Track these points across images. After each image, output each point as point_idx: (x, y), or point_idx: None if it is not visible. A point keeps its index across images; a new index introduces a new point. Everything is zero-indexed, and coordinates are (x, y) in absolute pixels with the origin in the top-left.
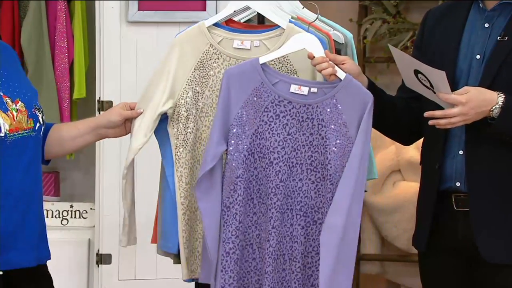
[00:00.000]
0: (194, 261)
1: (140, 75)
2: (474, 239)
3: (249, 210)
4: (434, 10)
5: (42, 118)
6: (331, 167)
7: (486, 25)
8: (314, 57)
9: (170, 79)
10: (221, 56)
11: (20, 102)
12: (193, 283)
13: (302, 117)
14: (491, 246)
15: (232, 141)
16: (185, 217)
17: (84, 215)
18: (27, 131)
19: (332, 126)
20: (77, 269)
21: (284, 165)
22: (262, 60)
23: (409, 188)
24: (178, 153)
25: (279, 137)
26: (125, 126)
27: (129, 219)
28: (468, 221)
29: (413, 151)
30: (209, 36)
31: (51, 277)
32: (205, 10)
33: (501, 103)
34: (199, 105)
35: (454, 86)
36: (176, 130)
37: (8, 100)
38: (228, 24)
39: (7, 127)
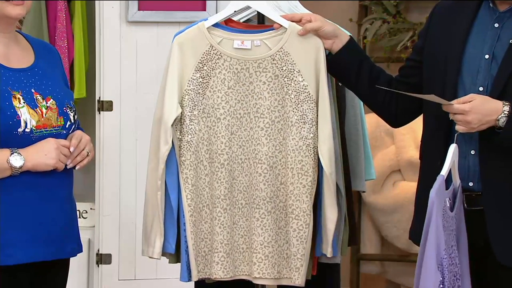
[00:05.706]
0: (201, 261)
1: (140, 75)
2: (488, 240)
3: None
4: (442, 3)
5: (73, 117)
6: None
7: (496, 25)
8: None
9: (176, 82)
10: (221, 56)
11: (51, 100)
12: (193, 282)
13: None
14: (507, 248)
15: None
16: (192, 218)
17: (84, 215)
18: (56, 128)
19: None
20: (77, 269)
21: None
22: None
23: (409, 188)
24: (183, 155)
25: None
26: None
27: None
28: (481, 221)
29: (413, 151)
30: (209, 37)
31: (67, 273)
32: (205, 10)
33: (507, 112)
34: (200, 106)
35: (460, 84)
36: (179, 132)
37: (39, 97)
38: (228, 24)
39: (34, 123)
